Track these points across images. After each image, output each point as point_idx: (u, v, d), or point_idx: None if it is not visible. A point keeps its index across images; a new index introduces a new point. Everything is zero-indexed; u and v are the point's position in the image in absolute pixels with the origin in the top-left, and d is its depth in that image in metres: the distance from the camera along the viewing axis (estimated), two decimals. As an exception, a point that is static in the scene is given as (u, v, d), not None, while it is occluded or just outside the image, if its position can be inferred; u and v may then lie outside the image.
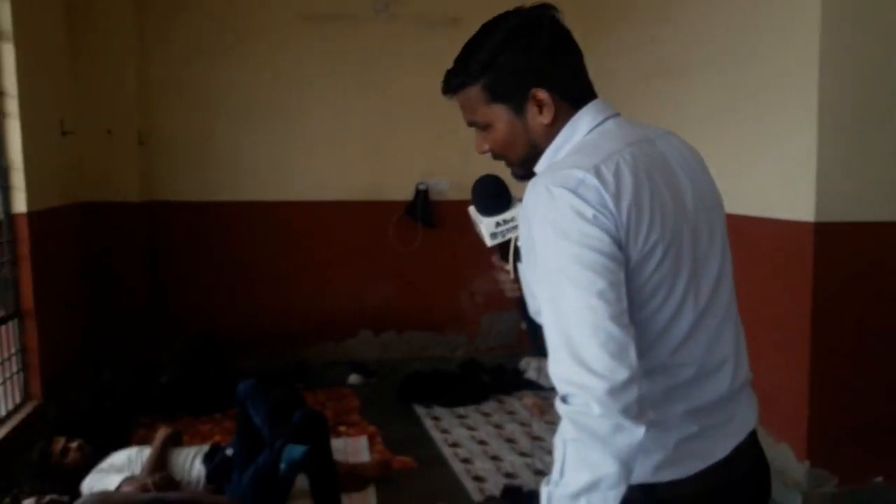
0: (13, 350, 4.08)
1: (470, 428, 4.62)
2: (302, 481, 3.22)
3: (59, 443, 3.53)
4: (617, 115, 1.30)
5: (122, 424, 4.46)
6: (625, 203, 1.14)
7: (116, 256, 5.33)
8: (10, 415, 3.94)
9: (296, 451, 3.00)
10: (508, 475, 3.85)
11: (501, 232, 1.41)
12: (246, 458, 3.26)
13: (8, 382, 3.99)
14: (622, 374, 1.06)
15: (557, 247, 1.12)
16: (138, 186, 5.38)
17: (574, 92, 1.27)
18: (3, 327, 3.99)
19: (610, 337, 1.07)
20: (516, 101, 1.25)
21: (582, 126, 1.26)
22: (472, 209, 1.45)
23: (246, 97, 5.59)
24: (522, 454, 4.18)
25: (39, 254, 4.22)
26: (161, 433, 3.59)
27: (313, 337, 5.80)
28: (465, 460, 4.10)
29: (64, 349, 4.62)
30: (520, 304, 1.47)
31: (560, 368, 1.11)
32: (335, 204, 5.81)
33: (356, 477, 3.73)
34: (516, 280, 1.44)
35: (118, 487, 3.16)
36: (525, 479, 3.73)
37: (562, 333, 1.11)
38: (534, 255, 1.19)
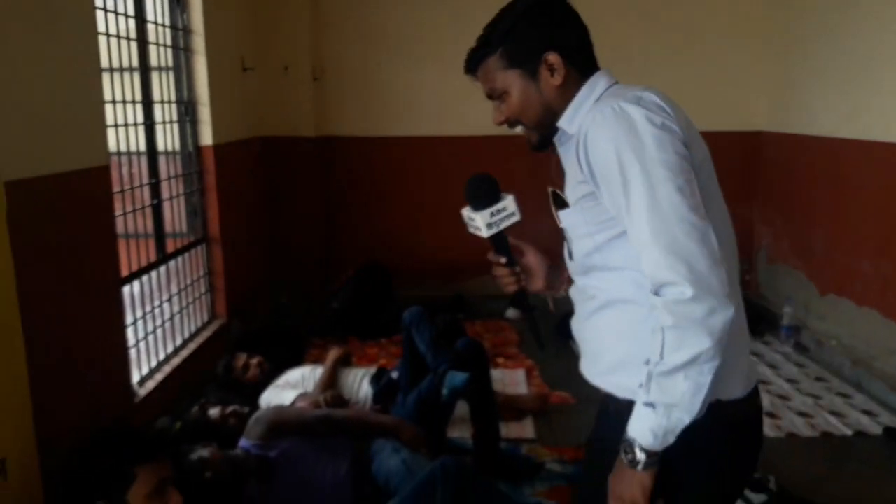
0: (201, 272, 4.45)
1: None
2: (462, 408, 3.28)
3: (241, 359, 3.82)
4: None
5: (297, 344, 4.76)
6: (679, 117, 1.29)
7: (293, 189, 5.62)
8: (198, 332, 4.32)
9: (457, 377, 3.04)
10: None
11: (496, 222, 1.52)
12: (410, 381, 3.36)
13: (196, 302, 4.36)
14: (708, 259, 1.16)
15: (631, 154, 1.21)
16: (313, 121, 5.60)
17: (582, 60, 1.41)
18: (193, 251, 4.34)
19: (693, 227, 1.17)
20: (531, 65, 1.38)
21: (600, 85, 1.39)
22: (464, 211, 1.56)
23: (413, 33, 5.59)
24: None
25: (224, 184, 4.52)
26: (333, 353, 3.79)
27: (473, 270, 5.82)
28: (627, 400, 3.99)
29: (246, 273, 4.97)
30: (518, 296, 1.61)
31: (651, 263, 1.20)
32: (498, 138, 5.67)
33: (514, 408, 3.76)
34: (512, 273, 1.59)
35: (293, 402, 3.37)
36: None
37: (649, 232, 1.19)
38: (586, 186, 1.32)
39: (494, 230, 1.52)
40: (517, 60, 1.38)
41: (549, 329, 5.02)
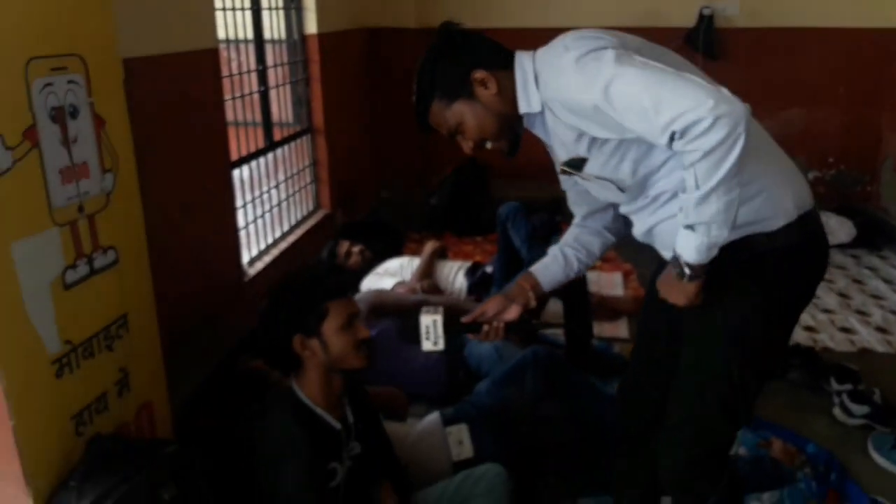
0: (307, 162, 4.56)
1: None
2: (556, 306, 3.29)
3: (344, 245, 3.95)
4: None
5: (396, 237, 4.86)
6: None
7: (396, 84, 5.58)
8: (303, 220, 4.47)
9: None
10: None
11: (435, 337, 1.73)
12: (504, 275, 3.40)
13: (302, 191, 4.50)
14: (696, 85, 1.27)
15: (598, 67, 1.35)
16: (415, 13, 5.49)
17: (499, 60, 1.53)
18: (299, 141, 4.44)
19: (680, 77, 1.30)
20: (465, 90, 1.52)
21: (526, 63, 1.52)
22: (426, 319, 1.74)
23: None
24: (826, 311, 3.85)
25: (328, 75, 4.55)
26: (430, 245, 3.86)
27: (574, 172, 5.73)
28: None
29: (349, 165, 5.06)
30: (515, 329, 1.79)
31: (663, 119, 1.27)
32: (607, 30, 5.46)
33: (609, 308, 3.74)
34: (487, 332, 1.76)
35: (391, 289, 3.48)
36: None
37: (649, 98, 1.28)
38: (584, 137, 1.48)
39: (441, 339, 1.73)
40: (453, 93, 1.53)
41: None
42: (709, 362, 1.54)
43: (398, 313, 3.03)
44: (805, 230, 1.48)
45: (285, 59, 4.26)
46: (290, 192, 4.29)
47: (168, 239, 2.63)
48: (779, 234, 1.45)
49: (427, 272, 3.70)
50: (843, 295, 4.03)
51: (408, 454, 2.19)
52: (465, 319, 1.77)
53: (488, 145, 1.60)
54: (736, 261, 1.44)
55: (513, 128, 1.58)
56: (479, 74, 1.51)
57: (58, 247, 1.55)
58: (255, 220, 3.75)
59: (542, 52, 1.53)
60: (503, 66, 1.53)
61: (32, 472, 1.47)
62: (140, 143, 1.83)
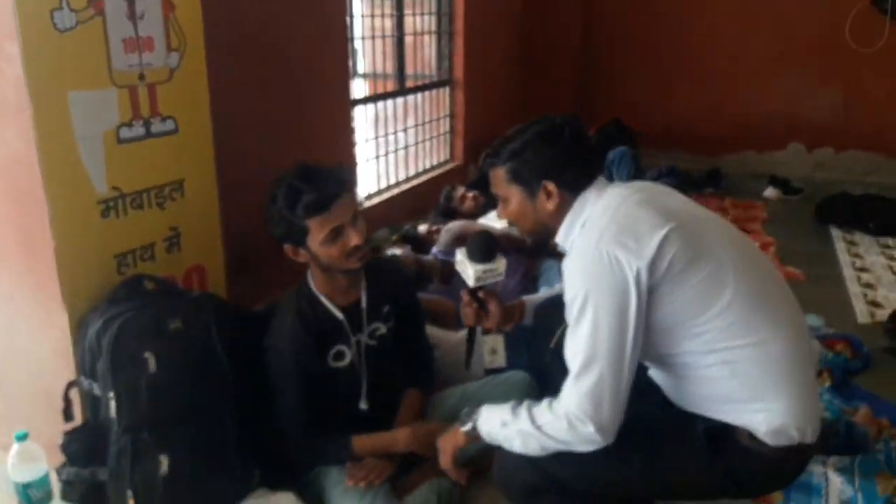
0: (443, 113, 4.69)
1: (892, 259, 3.85)
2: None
3: (460, 190, 4.04)
4: (613, 186, 1.54)
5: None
6: (648, 238, 1.40)
7: (548, 36, 5.55)
8: (433, 168, 4.62)
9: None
10: (914, 308, 3.14)
11: (484, 277, 1.74)
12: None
13: (435, 140, 4.64)
14: (616, 402, 1.37)
15: (588, 299, 1.38)
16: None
17: (578, 184, 1.52)
18: (436, 91, 4.58)
19: (616, 368, 1.38)
20: (530, 187, 1.53)
21: (588, 203, 1.50)
22: (459, 255, 1.78)
23: None
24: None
25: (473, 28, 4.63)
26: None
27: (734, 143, 5.36)
28: (868, 285, 3.47)
29: (488, 121, 5.12)
30: (470, 331, 1.87)
31: (571, 388, 1.39)
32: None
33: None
34: (475, 312, 1.82)
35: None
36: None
37: (580, 363, 1.39)
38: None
39: (479, 283, 1.75)
40: (519, 179, 1.54)
41: (806, 214, 4.54)
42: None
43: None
44: (785, 460, 1.46)
45: (432, 9, 4.39)
46: (421, 138, 4.45)
47: (279, 162, 2.88)
48: (763, 445, 1.42)
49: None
50: None
51: (443, 358, 2.23)
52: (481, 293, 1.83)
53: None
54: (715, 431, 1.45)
55: (545, 238, 1.62)
56: (551, 187, 1.51)
57: (114, 105, 1.78)
58: (377, 157, 3.94)
59: (599, 209, 1.48)
60: (574, 189, 1.52)
61: (69, 292, 1.72)
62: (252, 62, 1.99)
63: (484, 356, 2.24)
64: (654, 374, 1.59)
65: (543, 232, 1.59)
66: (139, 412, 1.64)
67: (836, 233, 4.29)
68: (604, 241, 1.37)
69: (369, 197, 3.84)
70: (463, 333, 2.37)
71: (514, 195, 1.56)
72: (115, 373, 1.63)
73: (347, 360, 1.90)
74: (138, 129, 1.85)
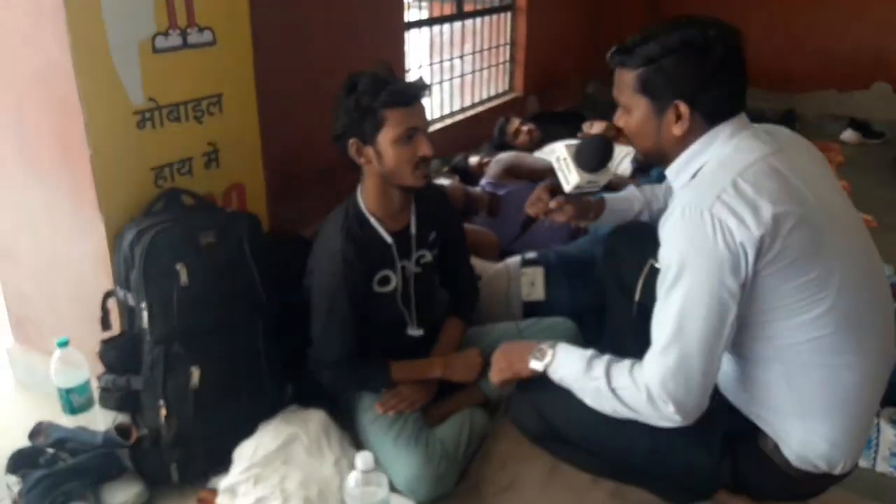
0: (504, 41, 4.53)
1: (978, 208, 3.59)
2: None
3: (515, 123, 3.92)
4: (752, 128, 1.33)
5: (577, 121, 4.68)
6: (774, 194, 1.24)
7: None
8: (491, 98, 4.49)
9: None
10: None
11: (586, 186, 1.57)
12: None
13: (494, 69, 4.49)
14: (702, 387, 1.28)
15: (687, 271, 1.26)
16: None
17: (715, 113, 1.31)
18: (497, 17, 4.41)
19: (707, 351, 1.27)
20: (660, 102, 1.32)
21: (716, 143, 1.30)
22: (565, 151, 1.58)
23: None
24: None
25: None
26: (599, 126, 3.71)
27: (814, 82, 5.03)
28: (945, 235, 3.25)
29: (553, 53, 4.94)
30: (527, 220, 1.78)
31: (658, 363, 1.28)
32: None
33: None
34: (546, 207, 1.71)
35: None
36: None
37: (667, 337, 1.27)
38: None
39: (577, 191, 1.59)
40: (649, 91, 1.32)
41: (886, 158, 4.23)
42: None
43: (532, 177, 2.98)
44: (801, 482, 1.38)
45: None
46: (479, 67, 4.31)
47: (325, 83, 2.81)
48: (785, 461, 1.35)
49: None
50: None
51: (484, 289, 2.19)
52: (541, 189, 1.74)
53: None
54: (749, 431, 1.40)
55: (659, 163, 1.43)
56: (683, 108, 1.30)
57: (149, 12, 1.74)
58: (430, 85, 3.83)
59: (727, 157, 1.29)
60: (709, 118, 1.31)
61: (106, 202, 1.73)
62: None
63: (522, 288, 2.19)
64: None
65: (659, 157, 1.40)
66: (170, 324, 1.65)
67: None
68: (718, 204, 1.19)
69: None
70: (504, 263, 2.32)
71: (638, 106, 1.34)
72: (147, 284, 1.64)
73: (392, 285, 1.84)
74: (175, 39, 1.81)
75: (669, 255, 1.24)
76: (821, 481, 1.36)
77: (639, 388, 1.29)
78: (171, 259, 1.65)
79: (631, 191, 1.80)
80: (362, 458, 1.39)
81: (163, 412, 1.66)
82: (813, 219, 1.22)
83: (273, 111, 2.21)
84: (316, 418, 1.79)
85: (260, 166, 2.13)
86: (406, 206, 1.85)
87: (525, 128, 3.89)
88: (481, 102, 4.39)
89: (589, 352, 1.40)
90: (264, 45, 2.07)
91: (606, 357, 1.38)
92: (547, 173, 2.96)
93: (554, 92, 5.05)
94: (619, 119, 1.41)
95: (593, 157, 1.55)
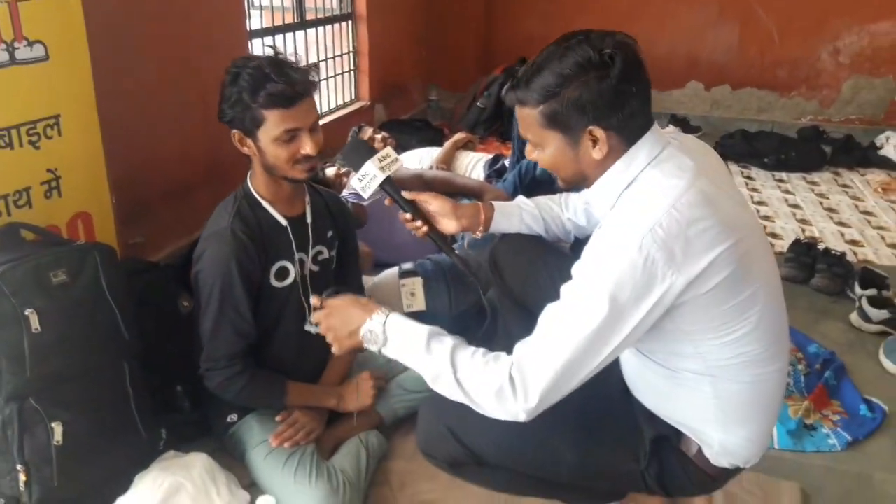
0: (347, 49, 4.47)
1: (787, 192, 4.02)
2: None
3: (367, 132, 3.87)
4: (669, 143, 1.26)
5: (435, 135, 4.74)
6: (717, 215, 1.21)
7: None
8: (339, 107, 4.41)
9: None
10: (811, 238, 3.28)
11: (385, 167, 1.53)
12: (517, 160, 3.23)
13: (339, 78, 4.42)
14: (564, 392, 1.22)
15: (601, 287, 1.19)
16: None
17: (631, 130, 1.23)
18: (338, 26, 4.34)
19: (581, 364, 1.21)
20: (573, 133, 1.23)
21: (638, 161, 1.24)
22: (352, 174, 1.55)
23: None
24: (840, 223, 3.52)
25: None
26: (456, 136, 3.73)
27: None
28: (766, 217, 3.60)
29: (395, 59, 4.93)
30: (432, 237, 1.61)
31: (533, 353, 1.21)
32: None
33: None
34: (414, 219, 1.59)
35: (402, 169, 3.38)
36: (832, 245, 3.14)
37: (554, 340, 1.20)
38: None
39: (385, 176, 1.53)
40: (558, 124, 1.23)
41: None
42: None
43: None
44: (719, 478, 1.42)
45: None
46: (324, 76, 4.22)
47: (170, 96, 2.64)
48: (706, 461, 1.38)
49: (446, 159, 3.58)
50: (905, 216, 3.64)
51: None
52: (405, 193, 1.60)
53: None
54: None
55: (584, 184, 1.33)
56: (599, 133, 1.21)
57: (-32, 24, 1.52)
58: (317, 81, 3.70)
59: (654, 174, 1.22)
60: (628, 139, 1.23)
61: (-70, 241, 1.49)
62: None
63: (402, 299, 2.16)
64: (626, 357, 1.45)
65: (581, 181, 1.31)
66: (23, 377, 1.46)
67: (733, 168, 4.44)
68: (650, 238, 1.13)
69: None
70: (381, 277, 2.29)
71: (550, 141, 1.26)
72: (-8, 334, 1.44)
73: (290, 279, 1.73)
74: (1, 56, 1.60)
75: (591, 269, 1.19)
76: (733, 474, 1.42)
77: (492, 379, 1.20)
78: (19, 304, 1.45)
79: (521, 200, 1.75)
80: (265, 503, 1.30)
81: (21, 478, 1.47)
82: (743, 243, 1.19)
83: (114, 129, 2.02)
84: (199, 463, 1.65)
85: (107, 191, 1.94)
86: (299, 195, 1.77)
87: (379, 135, 3.84)
88: (329, 112, 4.30)
89: (426, 329, 1.28)
90: (101, 58, 1.89)
91: (449, 340, 1.26)
92: (412, 179, 2.96)
93: (398, 100, 5.06)
94: (531, 154, 1.33)
95: (356, 150, 1.56)
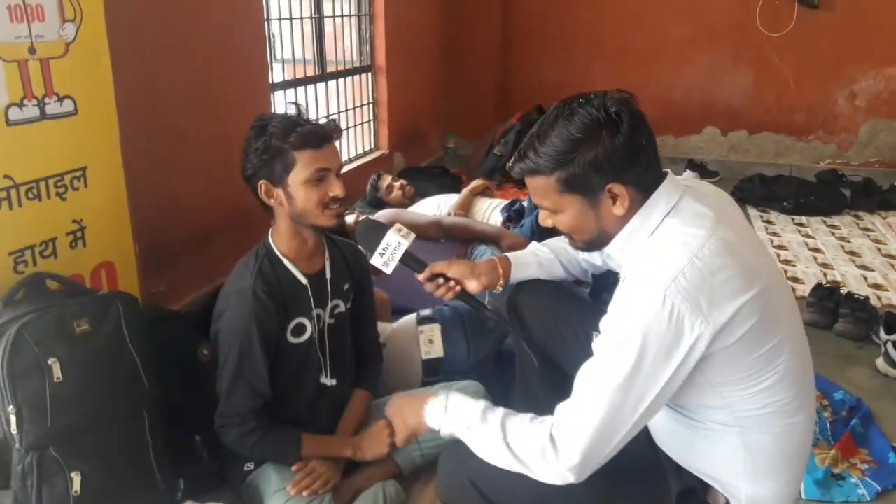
0: (367, 100, 4.56)
1: (807, 236, 3.98)
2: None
3: (387, 179, 3.93)
4: (686, 192, 1.27)
5: (453, 183, 4.78)
6: (736, 268, 1.20)
7: (468, 21, 5.48)
8: (358, 156, 4.48)
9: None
10: (833, 282, 3.24)
11: (397, 245, 1.59)
12: (535, 205, 3.25)
13: (359, 128, 4.50)
14: (606, 457, 1.23)
15: (632, 348, 1.19)
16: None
17: (648, 181, 1.24)
18: (358, 77, 4.44)
19: (621, 426, 1.22)
20: (592, 194, 1.24)
21: (657, 212, 1.24)
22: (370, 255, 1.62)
23: None
24: (863, 267, 3.48)
25: (394, 11, 4.51)
26: (474, 183, 3.77)
27: (653, 127, 5.39)
28: (787, 262, 3.57)
29: (413, 108, 5.02)
30: (462, 299, 1.66)
31: (572, 418, 1.23)
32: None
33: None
34: (439, 286, 1.63)
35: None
36: (855, 289, 3.09)
37: (590, 401, 1.21)
38: None
39: (390, 264, 1.59)
40: (577, 188, 1.24)
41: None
42: None
43: (413, 232, 2.97)
44: None
45: (347, -8, 4.25)
46: (345, 126, 4.30)
47: (193, 148, 2.70)
48: None
49: (464, 205, 3.60)
50: (930, 260, 3.59)
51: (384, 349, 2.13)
52: (425, 273, 1.65)
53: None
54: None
55: (604, 244, 1.33)
56: (619, 190, 1.22)
57: (0, 81, 1.58)
58: (342, 128, 3.76)
59: (673, 225, 1.23)
60: (646, 190, 1.24)
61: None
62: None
63: (420, 346, 2.16)
64: None
65: (604, 240, 1.31)
66: (44, 426, 1.47)
67: (752, 212, 4.42)
68: (674, 289, 1.13)
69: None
70: (400, 324, 2.29)
71: (569, 205, 1.26)
72: (14, 384, 1.45)
73: (307, 335, 1.75)
74: (31, 111, 1.65)
75: (620, 323, 1.19)
76: None
77: (535, 440, 1.24)
78: (42, 354, 1.47)
79: (535, 248, 1.77)
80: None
81: (39, 529, 1.46)
82: (767, 291, 1.19)
83: (139, 180, 2.07)
84: (215, 513, 1.64)
85: (130, 241, 1.98)
86: (320, 250, 1.79)
87: (397, 183, 3.91)
88: (349, 161, 4.37)
89: (482, 403, 1.35)
90: (127, 110, 1.95)
91: (501, 410, 1.32)
92: (431, 225, 2.98)
93: (416, 147, 5.13)
94: (546, 220, 1.34)
95: (370, 232, 1.62)
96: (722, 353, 1.17)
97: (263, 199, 1.67)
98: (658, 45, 5.30)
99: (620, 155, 1.19)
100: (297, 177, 1.61)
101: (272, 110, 3.40)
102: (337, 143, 1.71)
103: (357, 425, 1.86)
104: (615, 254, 1.32)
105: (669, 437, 1.40)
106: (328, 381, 1.81)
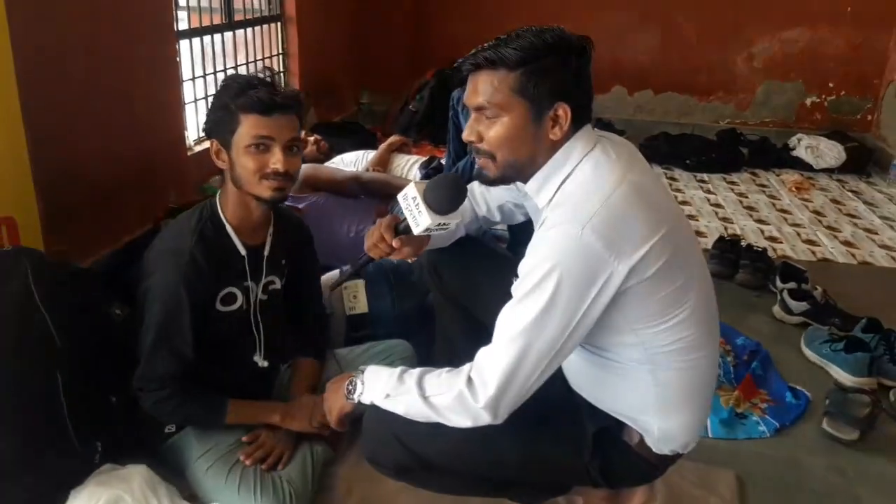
0: (276, 52, 4.40)
1: (708, 192, 4.19)
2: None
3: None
4: (599, 139, 1.31)
5: (367, 139, 4.72)
6: (644, 219, 1.26)
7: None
8: (270, 109, 4.34)
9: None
10: (734, 235, 3.43)
11: (432, 231, 1.43)
12: (453, 162, 3.26)
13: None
14: (522, 391, 1.26)
15: (550, 283, 1.23)
16: None
17: (583, 114, 1.29)
18: (267, 27, 4.27)
19: (540, 361, 1.26)
20: (540, 106, 1.25)
21: (575, 153, 1.28)
22: (415, 190, 1.41)
23: None
24: (759, 221, 3.70)
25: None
26: (391, 139, 3.73)
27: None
28: (690, 216, 3.75)
29: (325, 60, 4.89)
30: (363, 261, 1.61)
31: (489, 356, 1.26)
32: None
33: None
34: (389, 251, 1.53)
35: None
36: (754, 241, 3.29)
37: (508, 337, 1.25)
38: None
39: (426, 233, 1.46)
40: (529, 93, 1.24)
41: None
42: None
43: (331, 189, 2.93)
44: (658, 466, 1.47)
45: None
46: (254, 78, 4.15)
47: (99, 97, 2.55)
48: (647, 450, 1.42)
49: (381, 161, 3.57)
50: (817, 213, 3.85)
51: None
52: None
53: (477, 157, 1.34)
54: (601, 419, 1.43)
55: (518, 176, 1.33)
56: (563, 111, 1.25)
57: None
58: (206, 97, 3.62)
59: (590, 169, 1.27)
60: (576, 122, 1.28)
61: None
62: None
63: (345, 302, 2.15)
64: None
65: (523, 168, 1.31)
66: (-54, 394, 1.38)
67: (657, 170, 4.60)
68: (589, 229, 1.18)
69: (198, 141, 3.53)
70: (322, 280, 2.26)
71: (515, 111, 1.25)
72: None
73: (237, 305, 1.70)
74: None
75: (536, 262, 1.22)
76: (672, 461, 1.46)
77: (454, 387, 1.27)
78: (-59, 315, 1.38)
79: None
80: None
81: (-54, 501, 1.38)
82: (675, 232, 1.26)
83: (39, 133, 1.94)
84: (138, 475, 1.59)
85: (32, 195, 1.87)
86: (265, 224, 1.74)
87: (311, 138, 3.82)
88: (259, 115, 4.23)
89: (398, 369, 1.38)
90: (25, 60, 1.81)
91: (417, 370, 1.36)
92: (349, 180, 2.94)
93: (329, 103, 5.02)
94: (473, 133, 1.30)
95: (447, 198, 1.41)
96: (636, 288, 1.23)
97: (213, 159, 1.62)
98: (568, 2, 5.36)
99: (578, 76, 1.25)
100: (240, 141, 1.55)
101: (178, 59, 3.24)
102: (297, 117, 1.62)
103: (306, 389, 1.82)
104: (532, 193, 1.35)
105: (584, 378, 1.46)
106: (261, 362, 1.77)
